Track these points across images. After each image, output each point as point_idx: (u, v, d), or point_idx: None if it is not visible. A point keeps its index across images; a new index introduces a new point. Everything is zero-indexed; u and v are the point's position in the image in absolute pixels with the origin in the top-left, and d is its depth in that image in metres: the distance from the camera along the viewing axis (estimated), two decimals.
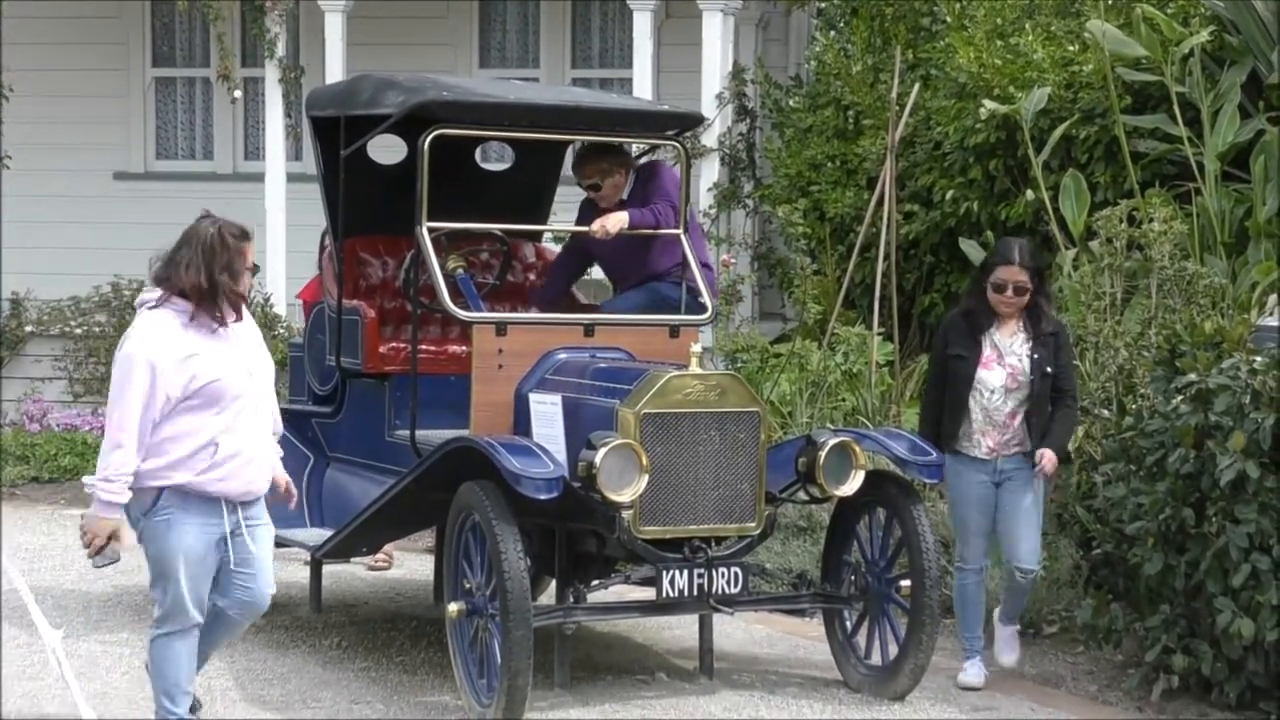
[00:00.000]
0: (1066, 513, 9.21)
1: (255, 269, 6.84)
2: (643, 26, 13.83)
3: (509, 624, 7.18)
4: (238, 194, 15.25)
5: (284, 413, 9.31)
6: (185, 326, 6.60)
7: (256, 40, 14.67)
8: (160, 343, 6.56)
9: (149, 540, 6.71)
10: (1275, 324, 8.51)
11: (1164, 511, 7.74)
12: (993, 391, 7.97)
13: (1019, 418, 7.99)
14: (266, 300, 13.99)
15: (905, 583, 7.93)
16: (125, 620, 9.29)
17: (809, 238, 13.19)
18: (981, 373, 7.98)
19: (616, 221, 8.69)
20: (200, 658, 6.97)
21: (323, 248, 9.29)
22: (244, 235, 6.74)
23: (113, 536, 6.60)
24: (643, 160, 9.17)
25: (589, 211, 9.01)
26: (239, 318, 6.73)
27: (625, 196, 8.94)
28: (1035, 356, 7.99)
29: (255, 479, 6.79)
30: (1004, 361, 7.99)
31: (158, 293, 6.68)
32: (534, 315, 8.77)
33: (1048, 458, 7.92)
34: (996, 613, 8.37)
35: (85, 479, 6.68)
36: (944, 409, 8.07)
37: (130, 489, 6.57)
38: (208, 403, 6.59)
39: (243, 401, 6.69)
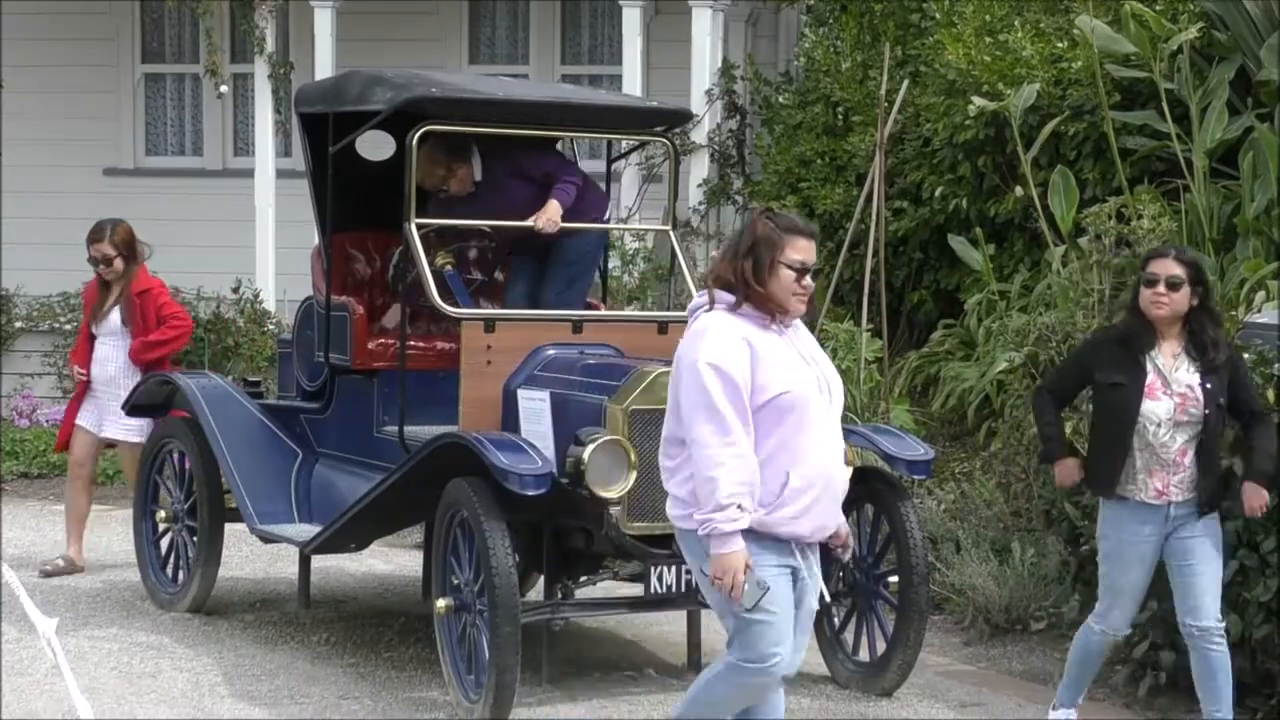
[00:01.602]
0: (1054, 509, 9.21)
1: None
2: (632, 23, 13.84)
3: (497, 620, 7.18)
4: (227, 190, 15.27)
5: (272, 409, 9.42)
6: (743, 327, 5.71)
7: (245, 36, 14.67)
8: (726, 346, 5.66)
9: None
10: (1263, 320, 8.50)
11: None
12: (1159, 425, 6.85)
13: (1189, 454, 6.89)
14: (256, 296, 14.00)
15: (893, 579, 7.94)
16: (114, 615, 9.28)
17: None
18: (1146, 403, 6.86)
19: (557, 210, 8.61)
20: None
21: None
22: (791, 228, 5.76)
23: (748, 566, 5.61)
24: None
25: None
26: (782, 320, 5.78)
27: (479, 179, 8.83)
28: (1209, 386, 6.88)
29: (828, 517, 5.84)
30: (1170, 390, 6.87)
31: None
32: (522, 312, 8.75)
33: (1255, 494, 6.93)
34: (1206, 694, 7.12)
35: (697, 516, 5.66)
36: (1098, 447, 7.02)
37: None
38: (776, 419, 5.66)
39: (815, 420, 5.73)
